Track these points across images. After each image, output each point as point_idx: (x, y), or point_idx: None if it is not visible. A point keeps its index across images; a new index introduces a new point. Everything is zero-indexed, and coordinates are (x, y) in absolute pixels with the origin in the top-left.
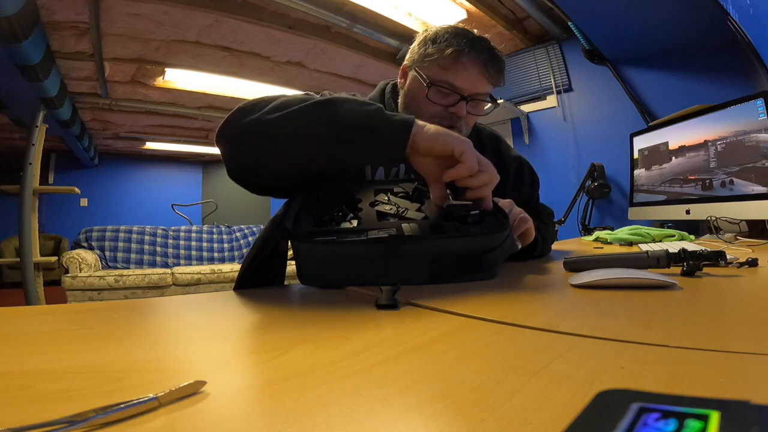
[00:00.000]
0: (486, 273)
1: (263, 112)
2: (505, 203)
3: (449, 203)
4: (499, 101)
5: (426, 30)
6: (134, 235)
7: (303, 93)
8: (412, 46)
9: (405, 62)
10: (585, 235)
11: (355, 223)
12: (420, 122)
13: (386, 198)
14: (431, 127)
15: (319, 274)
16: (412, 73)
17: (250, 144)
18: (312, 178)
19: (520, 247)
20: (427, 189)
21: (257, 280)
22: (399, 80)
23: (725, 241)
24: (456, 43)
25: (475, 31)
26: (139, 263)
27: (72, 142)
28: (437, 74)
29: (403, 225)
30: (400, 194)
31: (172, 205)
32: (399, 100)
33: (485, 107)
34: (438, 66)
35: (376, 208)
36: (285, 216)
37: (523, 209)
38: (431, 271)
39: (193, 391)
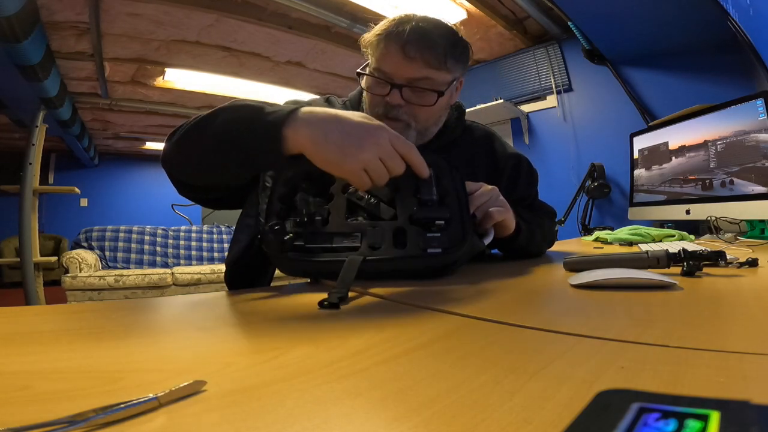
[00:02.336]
0: (443, 275)
1: (179, 134)
2: (483, 190)
3: (417, 209)
4: (498, 101)
5: None
6: (134, 235)
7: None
8: None
9: None
10: (585, 235)
11: (325, 214)
12: (305, 111)
13: None
14: (314, 126)
15: (294, 271)
16: None
17: (170, 168)
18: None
19: (488, 242)
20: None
21: (248, 282)
22: None
23: (725, 241)
24: (382, 27)
25: (417, 13)
26: (139, 263)
27: (72, 142)
28: (371, 64)
29: (368, 231)
30: None
31: (172, 205)
32: None
33: (430, 97)
34: (371, 55)
35: (347, 195)
36: (257, 220)
37: (519, 208)
38: (392, 275)
39: (193, 391)
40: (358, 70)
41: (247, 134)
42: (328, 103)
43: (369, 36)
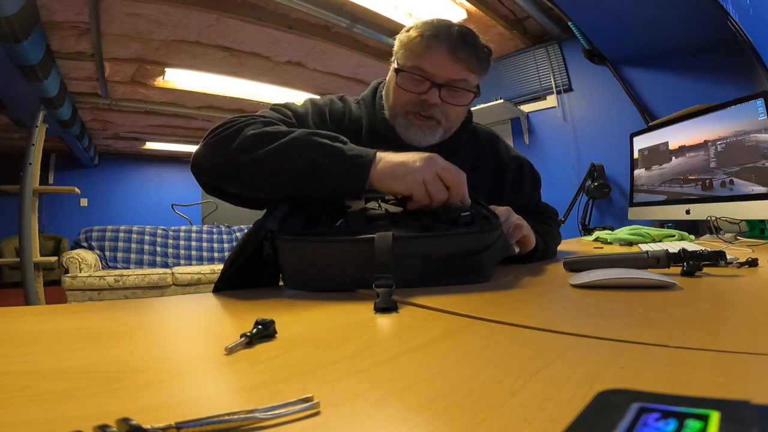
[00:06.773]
0: (477, 275)
1: (231, 150)
2: (502, 210)
3: (440, 210)
4: (498, 101)
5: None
6: (134, 235)
7: (272, 114)
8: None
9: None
10: (585, 235)
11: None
12: (380, 156)
13: (377, 205)
14: (387, 165)
15: (304, 277)
16: (390, 67)
17: (224, 180)
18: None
19: (517, 251)
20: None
21: (238, 283)
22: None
23: (725, 241)
24: (426, 29)
25: (458, 21)
26: (139, 263)
27: (72, 142)
28: (408, 61)
29: (392, 227)
30: (392, 201)
31: (172, 205)
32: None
33: (466, 97)
34: (410, 53)
35: (366, 213)
36: (269, 218)
37: (524, 212)
38: (420, 273)
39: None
40: (396, 66)
41: (336, 169)
42: (343, 101)
43: (410, 34)
